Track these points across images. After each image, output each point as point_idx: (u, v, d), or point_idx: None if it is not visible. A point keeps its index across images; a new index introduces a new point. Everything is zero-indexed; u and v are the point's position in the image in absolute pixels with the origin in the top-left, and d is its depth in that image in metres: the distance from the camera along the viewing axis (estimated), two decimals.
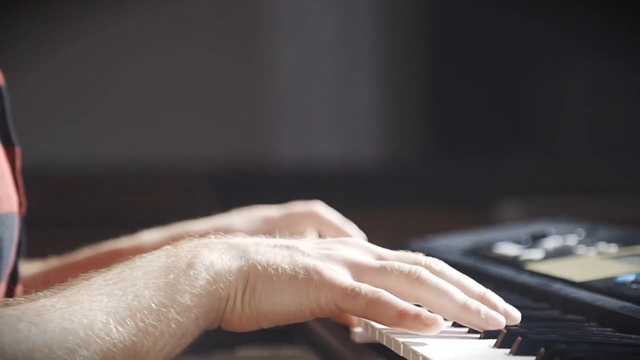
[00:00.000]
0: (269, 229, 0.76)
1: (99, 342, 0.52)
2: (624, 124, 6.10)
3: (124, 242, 0.82)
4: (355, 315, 0.60)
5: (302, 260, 0.57)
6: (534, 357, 0.48)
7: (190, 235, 0.59)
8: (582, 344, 0.50)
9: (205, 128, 8.29)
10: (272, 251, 0.58)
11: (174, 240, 0.61)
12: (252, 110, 8.35)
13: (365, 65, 8.61)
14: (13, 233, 0.68)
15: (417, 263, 0.58)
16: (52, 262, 0.85)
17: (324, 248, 0.59)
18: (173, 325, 0.54)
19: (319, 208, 0.83)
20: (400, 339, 0.53)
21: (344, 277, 0.57)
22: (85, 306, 0.52)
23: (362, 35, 8.65)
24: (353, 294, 0.55)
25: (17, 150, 0.72)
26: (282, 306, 0.58)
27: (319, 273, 0.57)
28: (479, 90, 7.50)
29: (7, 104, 0.74)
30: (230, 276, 0.57)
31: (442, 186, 5.86)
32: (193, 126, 8.09)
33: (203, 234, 0.60)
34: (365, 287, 0.55)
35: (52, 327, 0.51)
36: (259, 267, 0.57)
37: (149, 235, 0.83)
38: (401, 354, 0.52)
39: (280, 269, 0.57)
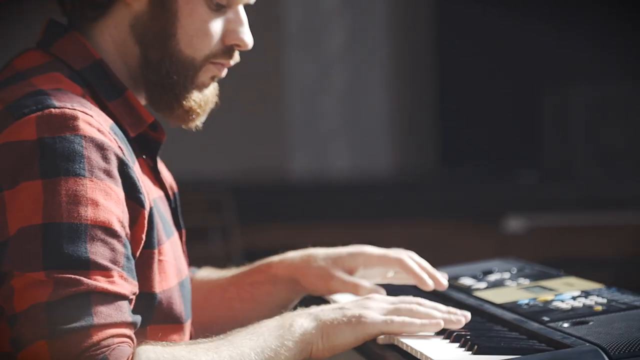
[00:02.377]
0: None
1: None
2: (625, 142, 6.53)
3: (274, 258, 1.30)
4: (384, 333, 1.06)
5: (352, 311, 1.04)
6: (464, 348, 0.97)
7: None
8: (487, 337, 0.99)
9: (224, 144, 8.69)
10: (333, 312, 1.04)
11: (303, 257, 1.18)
12: (268, 125, 8.77)
13: (378, 80, 9.02)
14: (188, 299, 1.15)
15: (412, 302, 1.07)
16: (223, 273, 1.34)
17: (361, 303, 1.05)
18: (282, 358, 0.99)
19: (407, 256, 1.25)
20: (406, 341, 1.01)
21: (375, 315, 1.04)
22: (237, 344, 0.97)
23: (374, 50, 9.05)
24: (384, 324, 1.03)
25: (184, 232, 1.19)
26: (345, 341, 1.03)
27: (360, 316, 1.03)
28: (490, 106, 7.93)
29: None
30: (313, 330, 1.02)
31: (452, 199, 6.25)
32: (213, 143, 8.46)
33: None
34: (388, 318, 1.04)
35: (223, 353, 0.96)
36: (328, 323, 1.02)
37: (290, 254, 1.29)
38: (408, 351, 1.00)
39: (337, 320, 1.02)
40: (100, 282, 0.92)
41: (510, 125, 7.93)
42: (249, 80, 8.76)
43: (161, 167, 1.17)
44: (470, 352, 0.94)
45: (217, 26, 1.11)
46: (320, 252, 1.27)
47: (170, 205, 1.16)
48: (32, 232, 0.92)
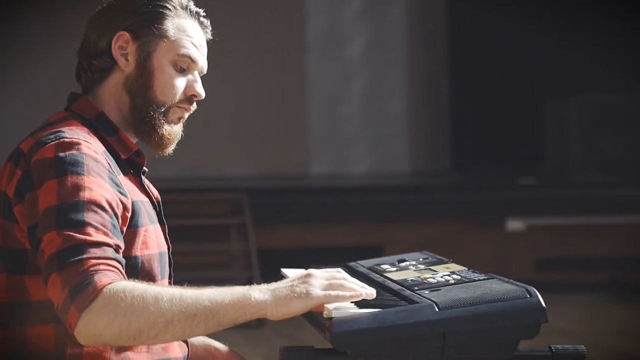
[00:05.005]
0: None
1: (208, 304, 1.48)
2: (620, 148, 7.00)
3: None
4: (324, 303, 1.53)
5: (300, 288, 1.53)
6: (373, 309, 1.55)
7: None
8: (378, 305, 1.57)
9: (248, 148, 9.23)
10: (285, 289, 1.49)
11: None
12: (289, 129, 9.29)
13: (396, 87, 9.48)
14: (166, 267, 1.71)
15: (341, 277, 1.62)
16: None
17: (304, 279, 1.55)
18: (231, 313, 1.46)
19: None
20: (331, 307, 1.57)
21: (317, 291, 1.53)
22: (200, 292, 1.45)
23: (393, 58, 9.51)
24: (324, 298, 1.54)
25: (166, 227, 1.76)
26: (295, 310, 1.46)
27: (308, 291, 1.51)
28: (498, 113, 8.41)
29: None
30: (267, 302, 1.46)
31: (460, 202, 6.77)
32: (237, 147, 8.99)
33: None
34: (326, 292, 1.56)
35: (188, 292, 1.51)
36: (282, 297, 1.46)
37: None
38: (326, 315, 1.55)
39: (289, 296, 1.48)
40: (91, 236, 1.47)
41: (514, 132, 8.43)
42: (271, 85, 9.32)
43: (147, 182, 1.79)
44: (356, 307, 1.53)
45: (180, 82, 1.73)
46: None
47: (154, 208, 1.75)
48: (51, 209, 1.51)
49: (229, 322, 1.48)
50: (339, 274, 1.57)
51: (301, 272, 1.60)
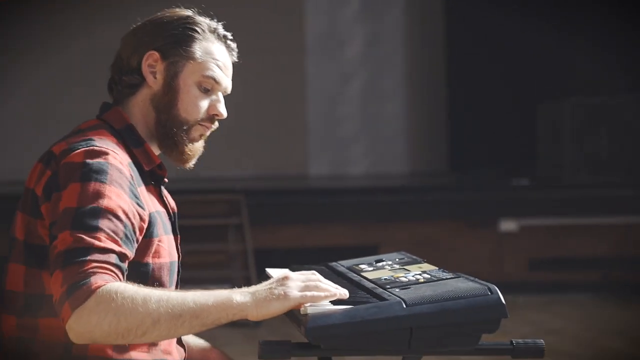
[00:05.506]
0: None
1: (193, 305, 1.57)
2: (611, 150, 7.09)
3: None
4: (301, 303, 1.63)
5: (278, 290, 1.63)
6: (348, 306, 1.67)
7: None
8: (351, 302, 1.68)
9: (247, 149, 9.33)
10: (264, 292, 1.59)
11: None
12: (288, 131, 9.38)
13: (394, 87, 9.56)
14: (174, 276, 1.83)
15: (316, 279, 1.73)
16: None
17: (281, 282, 1.62)
18: (213, 315, 1.57)
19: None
20: (308, 307, 1.68)
21: (294, 292, 1.63)
22: (184, 294, 1.56)
23: (391, 59, 9.60)
24: (301, 298, 1.63)
25: (179, 237, 1.87)
26: (275, 311, 1.56)
27: (285, 293, 1.61)
28: (493, 114, 8.51)
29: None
30: (248, 303, 1.56)
31: (456, 202, 6.86)
32: (236, 147, 9.09)
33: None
34: (303, 294, 1.66)
35: (172, 294, 1.59)
36: (261, 299, 1.56)
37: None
38: (303, 312, 1.67)
39: (268, 298, 1.57)
40: (101, 241, 1.57)
41: (511, 133, 8.53)
42: (271, 86, 9.43)
43: (166, 193, 1.91)
44: (331, 304, 1.64)
45: (204, 102, 1.85)
46: None
47: (170, 219, 1.87)
48: (69, 210, 1.61)
49: (212, 323, 1.59)
50: (313, 276, 1.67)
51: (282, 273, 1.72)
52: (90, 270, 1.54)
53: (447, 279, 1.73)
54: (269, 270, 2.00)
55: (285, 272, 1.77)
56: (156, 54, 1.81)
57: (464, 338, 1.60)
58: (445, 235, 6.80)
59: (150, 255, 1.74)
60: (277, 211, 6.67)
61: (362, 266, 1.98)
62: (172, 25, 1.83)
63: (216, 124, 1.88)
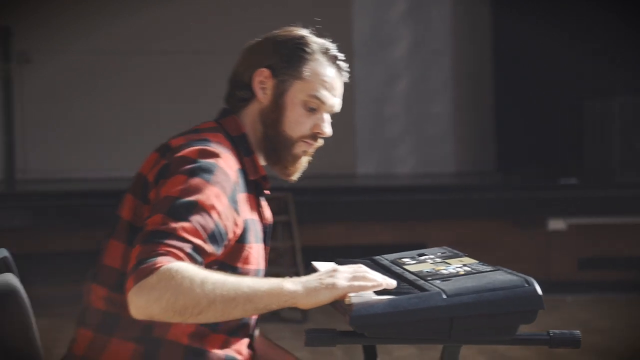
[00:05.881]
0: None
1: (247, 290, 1.67)
2: None
3: None
4: (348, 292, 1.72)
5: (327, 280, 1.73)
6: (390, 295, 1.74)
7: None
8: (393, 293, 1.76)
9: None
10: (315, 282, 1.69)
11: None
12: (336, 131, 9.45)
13: (440, 87, 9.58)
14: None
15: (363, 271, 1.81)
16: None
17: (331, 274, 1.75)
18: (264, 301, 1.66)
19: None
20: (352, 297, 1.76)
21: (342, 282, 1.74)
22: (242, 279, 1.67)
23: (437, 59, 9.63)
24: (348, 288, 1.72)
25: (268, 248, 1.97)
26: (324, 299, 1.67)
27: (334, 283, 1.71)
28: (540, 113, 8.49)
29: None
30: (299, 292, 1.67)
31: (503, 201, 6.88)
32: None
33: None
34: (350, 283, 1.74)
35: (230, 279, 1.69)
36: (311, 289, 1.67)
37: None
38: (347, 302, 1.75)
39: (318, 287, 1.69)
40: (185, 231, 1.67)
41: (557, 132, 8.51)
42: None
43: (265, 205, 2.00)
44: (375, 294, 1.72)
45: (309, 121, 1.94)
46: None
47: (263, 230, 1.96)
48: (169, 198, 1.71)
49: (263, 308, 1.67)
50: (360, 268, 1.77)
51: (329, 265, 1.79)
52: (161, 250, 1.63)
53: (486, 271, 1.80)
54: (316, 264, 2.08)
55: (332, 265, 1.84)
56: (267, 72, 1.91)
57: (502, 328, 1.66)
58: (493, 235, 6.83)
59: (241, 260, 1.84)
60: (324, 209, 6.75)
61: (405, 260, 2.05)
62: (285, 44, 1.93)
63: (320, 141, 1.97)
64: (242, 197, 1.83)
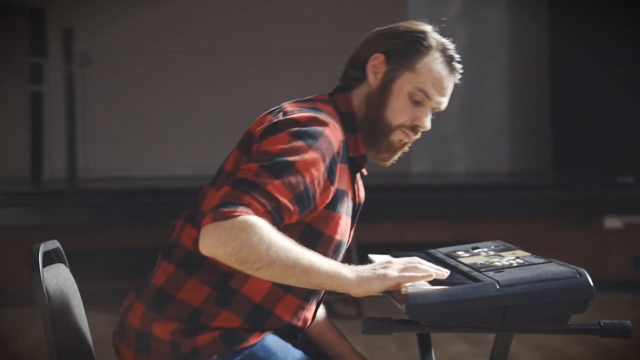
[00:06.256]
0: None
1: (307, 263, 1.73)
2: None
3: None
4: (399, 283, 1.81)
5: (379, 271, 1.81)
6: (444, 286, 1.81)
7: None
8: (448, 284, 1.82)
9: None
10: (368, 271, 1.78)
11: None
12: None
13: (496, 86, 9.56)
14: (339, 256, 1.98)
15: (416, 262, 1.88)
16: None
17: (384, 265, 1.84)
18: (329, 282, 1.77)
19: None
20: (409, 287, 1.83)
21: (394, 273, 1.83)
22: (313, 255, 1.76)
23: (493, 57, 9.60)
24: (399, 278, 1.80)
25: (354, 225, 2.05)
26: (375, 289, 1.77)
27: (385, 274, 1.79)
28: (596, 112, 8.43)
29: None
30: (352, 280, 1.76)
31: (559, 200, 6.87)
32: None
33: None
34: (401, 274, 1.83)
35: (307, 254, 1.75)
36: (364, 278, 1.77)
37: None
38: (404, 291, 1.83)
39: (370, 277, 1.78)
40: (275, 188, 1.76)
41: (612, 131, 8.44)
42: None
43: (360, 184, 2.08)
44: (429, 284, 1.79)
45: (411, 112, 1.99)
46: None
47: (354, 207, 2.03)
48: (269, 153, 1.80)
49: (317, 285, 1.76)
50: (414, 259, 1.85)
51: (385, 257, 1.86)
52: (245, 201, 1.73)
53: (539, 263, 1.85)
54: (372, 256, 2.15)
55: (387, 257, 1.91)
56: (382, 57, 1.97)
57: (554, 318, 1.72)
58: (548, 233, 6.82)
59: (328, 227, 1.91)
60: (378, 207, 6.81)
61: (459, 252, 2.11)
62: (405, 35, 1.99)
63: (419, 134, 2.03)
64: (340, 167, 1.89)
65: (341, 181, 1.91)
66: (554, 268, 1.79)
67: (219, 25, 9.35)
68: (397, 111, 1.96)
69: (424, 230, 6.79)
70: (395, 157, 2.04)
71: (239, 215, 1.71)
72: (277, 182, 1.76)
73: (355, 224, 2.05)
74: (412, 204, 6.91)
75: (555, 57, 9.13)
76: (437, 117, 1.94)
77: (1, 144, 9.19)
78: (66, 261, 2.06)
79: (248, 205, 1.73)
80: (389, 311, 1.81)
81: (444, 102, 2.01)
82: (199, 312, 1.87)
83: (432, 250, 2.21)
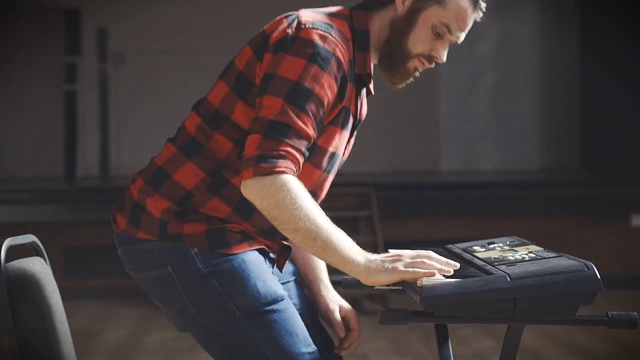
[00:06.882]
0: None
1: (327, 240, 1.87)
2: None
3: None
4: (404, 278, 1.91)
5: (388, 264, 1.91)
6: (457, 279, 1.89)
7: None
8: (459, 272, 1.90)
9: (380, 145, 9.54)
10: (379, 263, 1.91)
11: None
12: (420, 128, 9.56)
13: (526, 84, 9.57)
14: (334, 167, 2.10)
15: (426, 255, 1.97)
16: None
17: (394, 258, 1.94)
18: (341, 264, 1.89)
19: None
20: (424, 279, 1.92)
21: (401, 267, 1.91)
22: (335, 231, 1.90)
23: (523, 56, 9.63)
24: (404, 273, 1.90)
25: (352, 139, 2.16)
26: (382, 280, 1.89)
27: (393, 267, 1.90)
28: (624, 110, 8.43)
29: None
30: (361, 268, 1.88)
31: (587, 197, 6.89)
32: (370, 144, 9.38)
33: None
34: (406, 270, 1.91)
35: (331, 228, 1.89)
36: (373, 268, 1.88)
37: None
38: (419, 284, 1.91)
39: (379, 269, 1.89)
40: (303, 123, 1.88)
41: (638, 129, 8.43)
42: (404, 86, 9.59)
43: (364, 101, 2.17)
44: (444, 277, 1.87)
45: (431, 43, 2.06)
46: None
47: (354, 123, 2.12)
48: (287, 80, 1.89)
49: (331, 262, 1.89)
50: (424, 253, 1.92)
51: (398, 251, 1.95)
52: (283, 151, 1.85)
53: (550, 257, 1.93)
54: (392, 251, 2.23)
55: (401, 251, 1.99)
56: None
57: (563, 309, 1.79)
58: (575, 231, 6.85)
59: (323, 138, 2.01)
60: (406, 204, 6.87)
61: (476, 248, 2.19)
62: None
63: (433, 64, 2.07)
64: (348, 87, 1.99)
65: (347, 99, 2.01)
66: (564, 262, 1.86)
67: (254, 24, 9.46)
68: (419, 41, 2.03)
69: (452, 228, 6.84)
70: (407, 82, 2.10)
71: (278, 172, 1.84)
72: (302, 115, 1.88)
73: (353, 138, 2.13)
74: (441, 202, 6.96)
75: (587, 53, 9.13)
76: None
77: (36, 142, 9.37)
78: (45, 255, 2.07)
79: (285, 156, 1.86)
80: (415, 307, 1.90)
81: (462, 36, 2.08)
82: (191, 195, 1.98)
83: (449, 246, 2.29)
